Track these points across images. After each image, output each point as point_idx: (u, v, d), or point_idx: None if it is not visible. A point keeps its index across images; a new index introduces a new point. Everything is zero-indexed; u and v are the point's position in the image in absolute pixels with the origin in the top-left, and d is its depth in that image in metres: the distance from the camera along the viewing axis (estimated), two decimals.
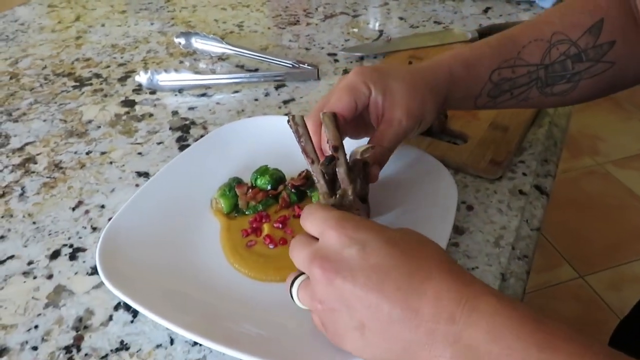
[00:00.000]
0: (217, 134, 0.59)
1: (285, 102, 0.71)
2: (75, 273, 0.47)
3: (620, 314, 1.48)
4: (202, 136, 0.62)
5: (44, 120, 0.69)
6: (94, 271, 0.47)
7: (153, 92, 0.74)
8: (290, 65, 0.76)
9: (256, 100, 0.71)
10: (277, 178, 0.53)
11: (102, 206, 0.54)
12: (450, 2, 0.98)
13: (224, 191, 0.51)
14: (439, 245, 0.35)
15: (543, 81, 0.50)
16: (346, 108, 0.44)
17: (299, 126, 0.43)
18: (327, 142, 0.43)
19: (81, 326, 0.43)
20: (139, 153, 0.62)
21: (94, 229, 0.52)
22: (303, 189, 0.52)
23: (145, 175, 0.58)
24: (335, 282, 0.33)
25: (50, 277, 0.47)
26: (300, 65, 0.75)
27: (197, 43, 0.81)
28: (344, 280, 0.32)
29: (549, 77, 0.50)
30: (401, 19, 0.94)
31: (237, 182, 0.52)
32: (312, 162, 0.43)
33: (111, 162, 0.61)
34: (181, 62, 0.82)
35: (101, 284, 0.45)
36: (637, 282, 1.60)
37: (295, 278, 0.38)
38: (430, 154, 0.54)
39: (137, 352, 0.41)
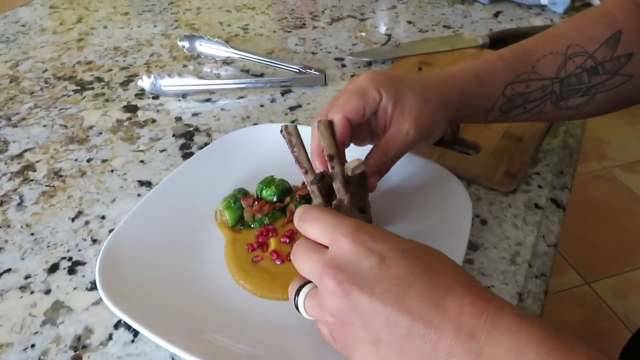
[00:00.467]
0: (222, 143, 0.57)
1: (292, 108, 0.69)
2: (74, 288, 0.46)
3: (627, 322, 1.47)
4: (206, 144, 0.60)
5: (44, 126, 0.67)
6: (93, 286, 0.45)
7: (156, 97, 0.72)
8: (297, 71, 0.74)
9: (262, 106, 0.69)
10: (284, 189, 0.51)
11: (103, 217, 0.53)
12: (460, 6, 0.96)
13: (229, 203, 0.49)
14: (451, 259, 0.33)
15: (557, 95, 0.49)
16: (354, 112, 0.43)
17: (292, 136, 0.43)
18: (323, 151, 0.42)
19: (80, 345, 0.41)
20: (141, 161, 0.60)
21: (94, 241, 0.50)
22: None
23: (147, 184, 0.57)
24: (351, 294, 0.31)
25: (48, 292, 0.45)
26: (307, 70, 0.74)
27: (201, 46, 0.79)
28: (360, 292, 0.31)
29: (564, 91, 0.49)
30: (410, 22, 0.92)
31: (243, 193, 0.50)
32: (306, 172, 0.42)
33: (112, 171, 0.59)
34: (185, 65, 0.80)
35: (101, 300, 0.43)
36: None
37: (301, 286, 0.36)
38: (442, 165, 0.52)
39: None
